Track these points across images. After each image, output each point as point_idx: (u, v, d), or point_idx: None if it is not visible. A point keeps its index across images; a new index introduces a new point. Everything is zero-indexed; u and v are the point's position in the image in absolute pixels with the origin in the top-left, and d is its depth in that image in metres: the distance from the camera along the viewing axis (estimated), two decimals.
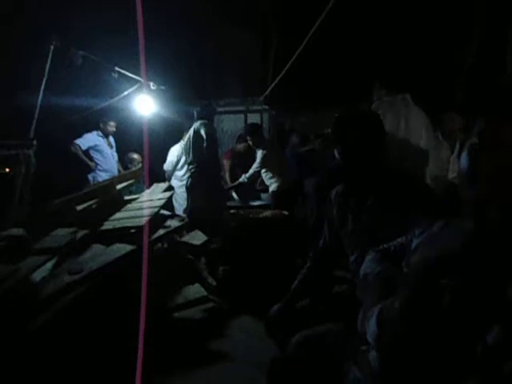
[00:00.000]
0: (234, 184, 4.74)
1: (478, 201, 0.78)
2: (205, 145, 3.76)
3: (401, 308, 0.76)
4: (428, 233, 0.91)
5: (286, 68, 4.56)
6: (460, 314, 0.69)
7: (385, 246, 1.04)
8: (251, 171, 4.46)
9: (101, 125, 4.85)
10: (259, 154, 4.40)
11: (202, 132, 3.77)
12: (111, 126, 4.91)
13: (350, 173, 1.46)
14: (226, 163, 5.02)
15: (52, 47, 3.54)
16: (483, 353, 0.65)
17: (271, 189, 4.46)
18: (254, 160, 4.62)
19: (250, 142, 4.50)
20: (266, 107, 6.23)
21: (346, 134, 1.43)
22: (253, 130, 4.57)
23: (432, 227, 0.91)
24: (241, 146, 5.02)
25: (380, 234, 1.09)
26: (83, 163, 4.74)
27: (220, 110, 5.18)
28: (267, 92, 5.74)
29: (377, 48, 4.91)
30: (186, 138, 4.12)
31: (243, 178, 4.55)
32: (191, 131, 3.90)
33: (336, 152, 1.48)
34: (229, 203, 4.51)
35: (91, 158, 4.82)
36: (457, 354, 0.69)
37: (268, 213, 3.81)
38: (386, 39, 4.93)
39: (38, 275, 2.09)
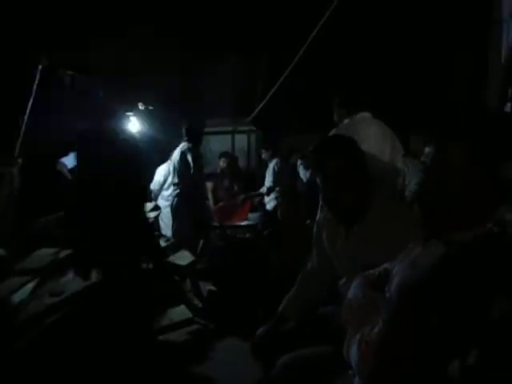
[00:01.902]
0: (255, 193, 4.88)
1: (435, 225, 0.80)
2: (191, 171, 3.75)
3: (381, 333, 0.76)
4: (408, 257, 0.92)
5: (274, 89, 4.66)
6: (439, 338, 0.70)
7: (371, 271, 1.04)
8: (269, 184, 4.68)
9: None
10: (273, 164, 4.66)
11: (189, 157, 3.77)
12: None
13: (333, 202, 1.43)
14: (209, 185, 5.05)
15: (40, 67, 3.55)
16: (462, 374, 0.66)
17: (268, 207, 4.52)
18: (234, 180, 4.73)
19: (264, 155, 4.86)
20: (254, 128, 6.29)
21: (326, 164, 1.39)
22: (270, 143, 4.92)
23: (412, 251, 0.92)
24: (221, 165, 5.06)
25: (368, 259, 1.09)
26: (68, 182, 4.69)
27: (207, 130, 5.24)
28: (255, 113, 5.82)
29: (344, 62, 5.06)
30: (172, 158, 4.13)
31: (263, 189, 4.67)
32: (177, 153, 3.89)
33: (318, 180, 1.44)
34: (216, 223, 4.51)
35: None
36: (437, 377, 0.69)
37: (254, 233, 3.82)
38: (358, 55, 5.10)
39: (17, 297, 2.04)
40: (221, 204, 4.67)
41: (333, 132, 2.22)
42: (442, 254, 0.73)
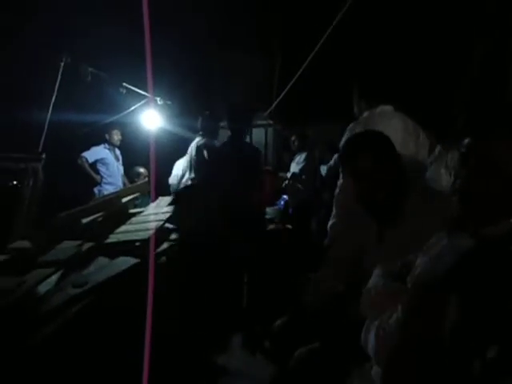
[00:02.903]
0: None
1: (465, 218, 0.79)
2: (207, 169, 3.73)
3: (399, 322, 0.76)
4: (433, 249, 0.92)
5: (291, 83, 4.64)
6: (460, 330, 0.69)
7: (393, 262, 1.03)
8: (295, 170, 4.79)
9: (106, 136, 4.90)
10: (303, 157, 4.77)
11: (205, 152, 3.71)
12: (117, 135, 4.94)
13: (367, 200, 1.39)
14: None
15: (62, 63, 3.63)
16: (482, 369, 0.65)
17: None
18: None
19: (297, 143, 4.92)
20: (271, 122, 6.28)
21: (357, 162, 1.35)
22: (303, 133, 5.00)
23: (437, 244, 0.91)
24: None
25: (405, 253, 1.05)
26: (89, 176, 4.79)
27: (225, 124, 5.28)
28: (272, 107, 5.80)
29: (363, 53, 4.99)
30: (189, 152, 4.16)
31: (288, 174, 4.86)
32: (193, 148, 3.89)
33: (347, 175, 1.41)
34: None
35: (97, 171, 4.86)
36: (456, 370, 0.69)
37: (272, 227, 3.83)
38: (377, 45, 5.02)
39: (43, 288, 2.11)
40: None
41: (352, 125, 2.18)
42: (470, 247, 0.72)
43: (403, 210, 1.34)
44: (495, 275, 0.69)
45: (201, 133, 3.88)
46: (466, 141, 0.82)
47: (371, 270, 1.42)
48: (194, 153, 3.84)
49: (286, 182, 4.89)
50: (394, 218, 1.36)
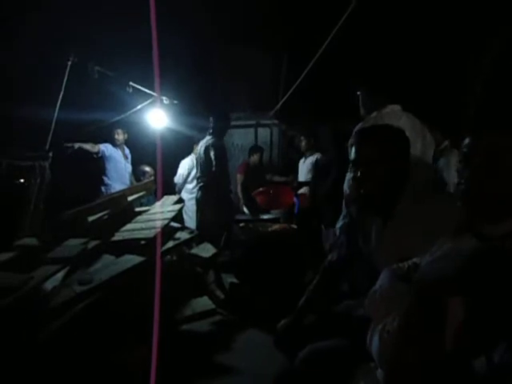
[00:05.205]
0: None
1: (470, 219, 0.79)
2: (213, 168, 3.72)
3: (402, 324, 0.76)
4: (438, 251, 0.91)
5: (296, 83, 4.62)
6: (466, 331, 0.69)
7: (399, 264, 1.03)
8: (303, 178, 4.69)
9: (114, 134, 4.89)
10: (314, 158, 4.63)
11: (212, 154, 3.70)
12: (122, 134, 4.90)
13: (368, 195, 1.36)
14: (240, 178, 5.01)
15: (70, 62, 3.65)
16: (489, 370, 0.65)
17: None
18: (266, 174, 4.71)
19: (304, 143, 4.77)
20: (276, 121, 6.28)
21: (363, 151, 1.34)
22: (312, 134, 4.89)
23: (442, 245, 0.91)
24: (254, 159, 5.06)
25: (404, 253, 1.05)
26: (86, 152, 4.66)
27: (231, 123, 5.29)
28: (277, 106, 5.80)
29: (371, 52, 4.93)
30: (196, 151, 4.15)
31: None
32: (201, 147, 3.90)
33: (352, 172, 1.39)
34: (239, 216, 4.54)
35: (104, 168, 4.82)
36: (461, 372, 0.69)
37: (277, 226, 3.83)
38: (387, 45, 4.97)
39: (49, 285, 2.13)
40: (261, 189, 4.60)
41: (360, 125, 2.17)
42: (476, 247, 0.72)
43: (395, 211, 1.33)
44: (499, 276, 0.69)
45: (211, 131, 3.86)
46: (467, 140, 0.81)
47: (373, 262, 1.43)
48: (202, 152, 3.84)
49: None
50: (387, 219, 1.35)
